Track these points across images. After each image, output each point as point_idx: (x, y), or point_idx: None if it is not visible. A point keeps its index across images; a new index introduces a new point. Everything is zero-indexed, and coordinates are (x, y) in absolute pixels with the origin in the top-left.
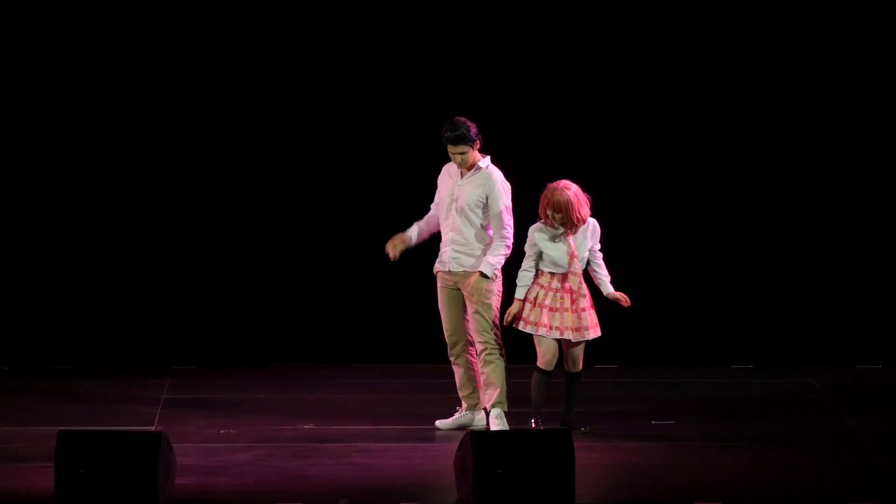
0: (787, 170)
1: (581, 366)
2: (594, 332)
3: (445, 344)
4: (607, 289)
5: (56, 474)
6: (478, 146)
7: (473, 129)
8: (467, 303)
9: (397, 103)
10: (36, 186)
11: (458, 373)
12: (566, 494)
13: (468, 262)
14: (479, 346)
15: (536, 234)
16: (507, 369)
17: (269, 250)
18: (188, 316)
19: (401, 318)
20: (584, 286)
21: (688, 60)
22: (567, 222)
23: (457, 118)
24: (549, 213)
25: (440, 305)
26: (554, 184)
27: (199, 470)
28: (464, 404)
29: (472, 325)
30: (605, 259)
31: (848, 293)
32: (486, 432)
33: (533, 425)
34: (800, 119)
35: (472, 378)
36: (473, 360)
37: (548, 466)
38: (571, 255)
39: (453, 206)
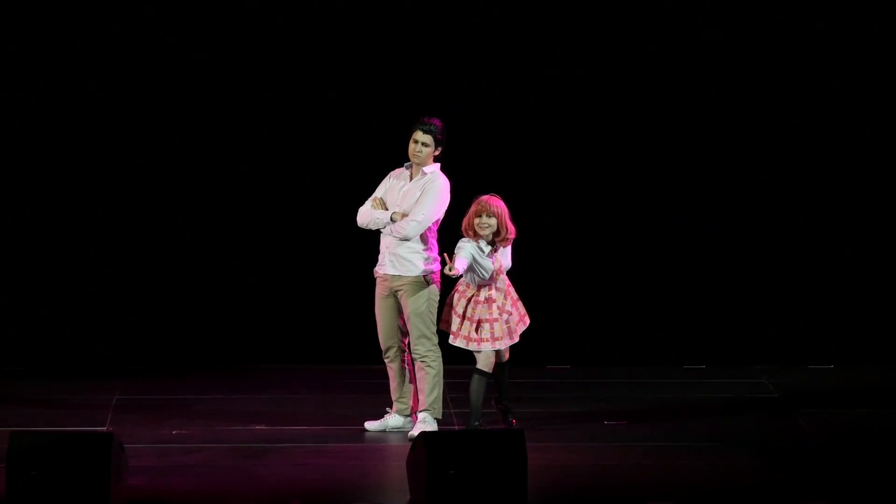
0: (740, 171)
1: (508, 355)
2: (523, 326)
3: None
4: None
5: (7, 475)
6: (438, 151)
7: (442, 133)
8: (403, 308)
9: (366, 109)
10: None
11: (392, 376)
12: (518, 495)
13: (405, 266)
14: (414, 352)
15: (467, 244)
16: (443, 373)
17: (221, 252)
18: (140, 317)
19: (354, 319)
20: (509, 293)
21: (681, 58)
22: (500, 229)
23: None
24: (480, 218)
25: (376, 310)
26: (485, 196)
27: (151, 471)
28: (394, 407)
29: (408, 330)
30: (561, 258)
31: (800, 293)
32: (439, 433)
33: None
34: (750, 121)
35: (404, 382)
36: (408, 364)
37: (500, 467)
38: (497, 272)
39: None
